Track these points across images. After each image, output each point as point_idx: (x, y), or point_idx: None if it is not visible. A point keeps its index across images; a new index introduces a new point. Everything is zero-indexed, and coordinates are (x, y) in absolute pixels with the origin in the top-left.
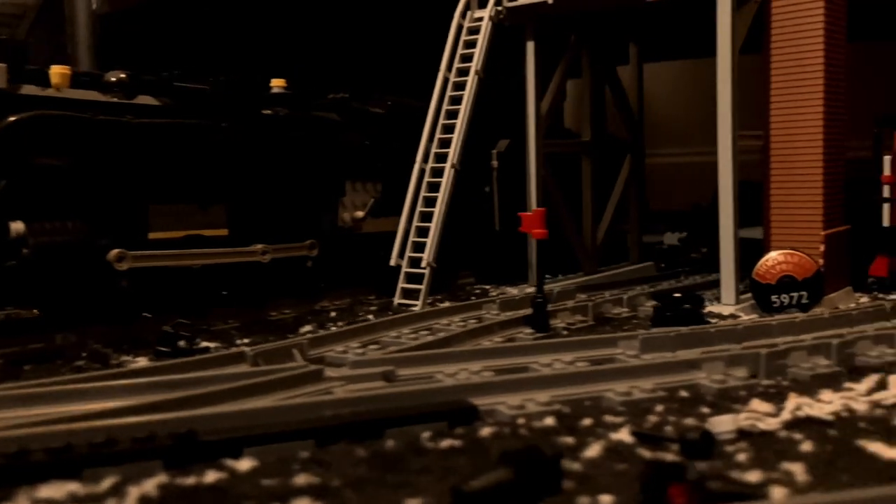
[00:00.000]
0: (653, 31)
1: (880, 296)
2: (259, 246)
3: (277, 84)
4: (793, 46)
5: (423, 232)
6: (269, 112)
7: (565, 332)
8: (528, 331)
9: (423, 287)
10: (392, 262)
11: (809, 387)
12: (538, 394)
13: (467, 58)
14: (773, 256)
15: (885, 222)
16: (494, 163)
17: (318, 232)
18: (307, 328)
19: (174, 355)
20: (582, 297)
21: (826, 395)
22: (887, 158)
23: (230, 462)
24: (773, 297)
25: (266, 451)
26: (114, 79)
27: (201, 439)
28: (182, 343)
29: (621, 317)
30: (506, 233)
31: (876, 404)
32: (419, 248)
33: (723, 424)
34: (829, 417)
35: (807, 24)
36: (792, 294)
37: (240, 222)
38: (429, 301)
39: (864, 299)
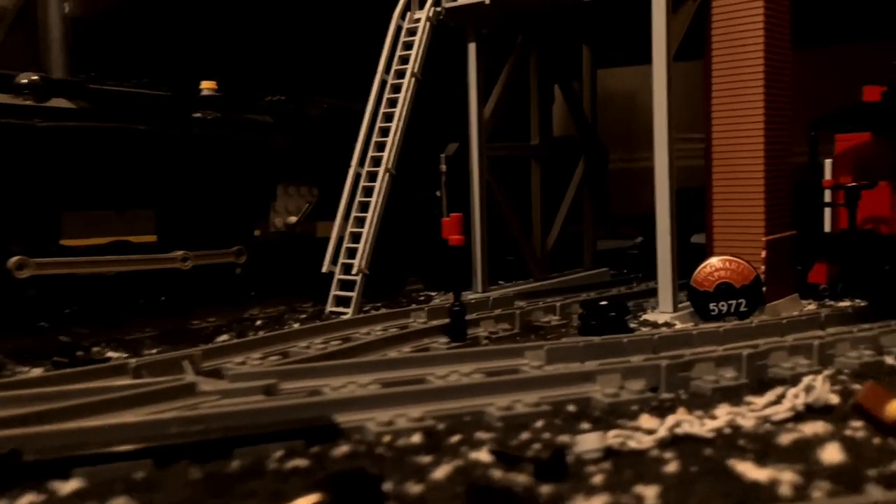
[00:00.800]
0: (605, 33)
1: (829, 303)
2: (179, 252)
3: (208, 86)
4: (733, 49)
5: (356, 238)
6: (197, 115)
7: (485, 342)
8: (444, 340)
9: (354, 294)
10: (324, 269)
11: (708, 401)
12: (415, 408)
13: (406, 59)
14: (712, 263)
15: (827, 228)
16: (443, 167)
17: (247, 238)
18: (224, 337)
19: (72, 366)
20: (521, 304)
21: (721, 410)
22: (828, 162)
23: (56, 484)
24: (712, 305)
25: (98, 472)
26: (25, 80)
27: (25, 459)
28: (80, 353)
29: (550, 325)
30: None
31: (766, 420)
32: (353, 254)
33: (588, 443)
34: (710, 435)
35: (747, 26)
36: (730, 302)
37: (169, 228)
38: (366, 309)
39: (812, 307)
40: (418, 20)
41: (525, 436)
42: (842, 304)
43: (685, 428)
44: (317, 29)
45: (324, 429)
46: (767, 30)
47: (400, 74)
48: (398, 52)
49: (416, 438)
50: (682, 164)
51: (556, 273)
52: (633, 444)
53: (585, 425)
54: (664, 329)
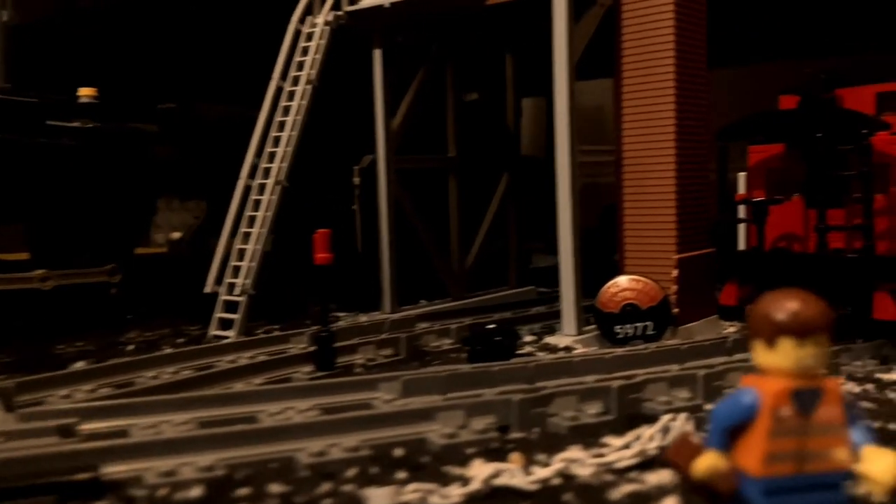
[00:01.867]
0: (527, 42)
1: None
2: (39, 271)
3: (86, 93)
4: (644, 59)
5: (243, 255)
6: (75, 123)
7: (358, 370)
8: (307, 370)
9: (238, 317)
10: (207, 289)
11: (561, 441)
12: (211, 455)
13: (308, 66)
14: (618, 282)
15: (741, 245)
16: (356, 180)
17: (125, 256)
18: (79, 364)
19: None
20: (425, 326)
21: (571, 452)
22: (742, 175)
23: None
24: (617, 328)
25: None
26: None
27: None
28: None
29: (440, 350)
30: (370, 255)
31: (607, 468)
32: (247, 272)
33: (378, 499)
34: (533, 487)
35: (657, 35)
36: (636, 324)
37: (42, 245)
38: (258, 332)
39: (732, 329)
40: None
41: (325, 487)
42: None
43: (505, 479)
44: (215, 33)
45: (82, 483)
46: (679, 39)
47: (297, 81)
48: (296, 58)
49: (197, 492)
50: (611, 179)
51: (479, 291)
52: (436, 500)
53: (402, 474)
54: (544, 356)
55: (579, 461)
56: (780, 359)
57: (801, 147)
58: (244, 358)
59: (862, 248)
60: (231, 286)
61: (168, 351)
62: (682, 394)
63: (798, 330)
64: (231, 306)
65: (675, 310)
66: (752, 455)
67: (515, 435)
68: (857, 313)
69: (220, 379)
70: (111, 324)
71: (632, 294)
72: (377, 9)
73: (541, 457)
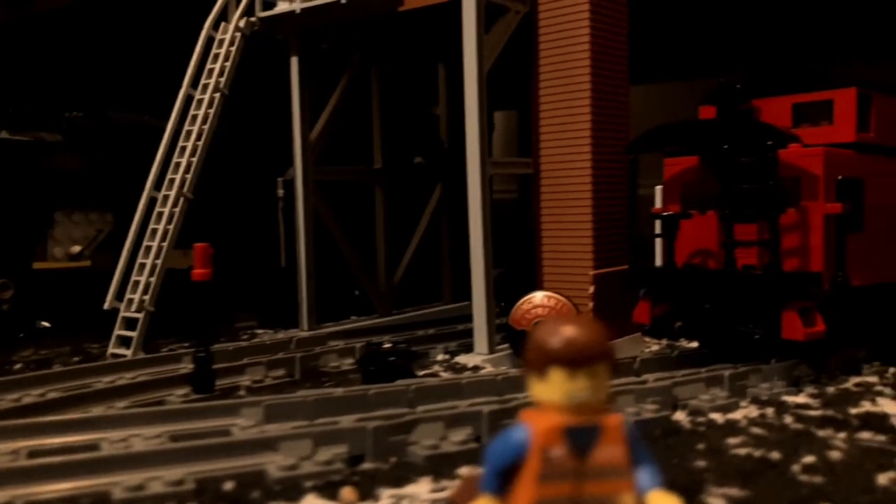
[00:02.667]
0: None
1: (676, 343)
2: None
3: None
4: (560, 69)
5: (143, 270)
6: None
7: (242, 393)
8: (182, 392)
9: (136, 334)
10: (106, 306)
11: (413, 472)
12: (17, 489)
13: (217, 73)
14: (533, 298)
15: (658, 261)
16: (280, 191)
17: (19, 270)
18: None
19: None
20: (334, 345)
21: (414, 487)
22: (658, 189)
23: None
24: None
25: None
26: None
27: None
28: None
29: (339, 370)
30: (294, 270)
31: None
32: (146, 288)
33: None
34: None
35: (573, 45)
36: None
37: None
38: (166, 349)
39: (655, 347)
40: (235, 30)
41: None
42: (693, 345)
43: None
44: (129, 40)
45: None
46: (595, 49)
47: (212, 90)
48: (208, 66)
49: None
50: None
51: (409, 308)
52: None
53: None
54: (432, 378)
55: (410, 497)
56: (551, 391)
57: (710, 159)
58: (125, 378)
59: (767, 264)
60: (132, 302)
61: (42, 372)
62: None
63: (569, 360)
64: (131, 323)
65: None
66: (521, 501)
67: (367, 466)
68: (768, 333)
69: (85, 402)
70: (2, 341)
71: (544, 311)
72: (290, 15)
73: (385, 491)
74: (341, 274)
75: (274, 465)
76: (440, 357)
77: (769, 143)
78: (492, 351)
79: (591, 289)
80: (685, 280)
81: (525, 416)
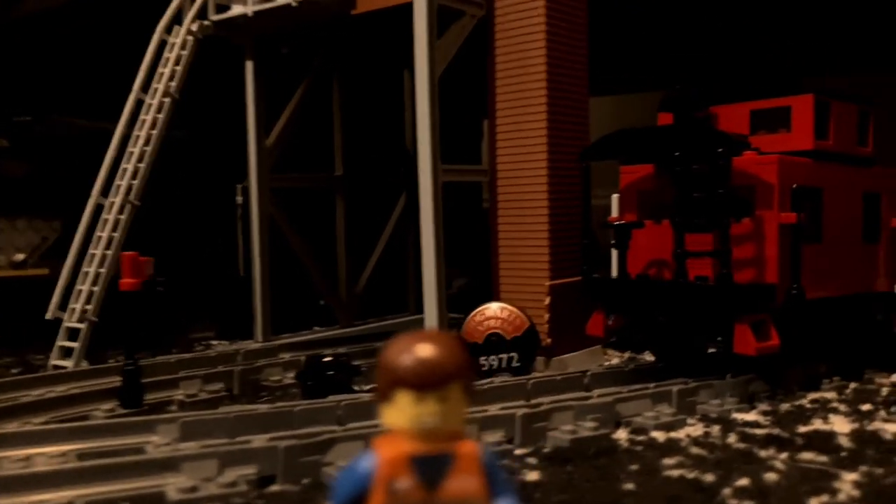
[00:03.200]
0: None
1: (639, 356)
2: None
3: None
4: (516, 76)
5: (86, 279)
6: None
7: (173, 408)
8: (108, 406)
9: (77, 345)
10: (49, 315)
11: (324, 495)
12: None
13: (167, 77)
14: (486, 310)
15: (613, 272)
16: (239, 198)
17: None
18: None
19: None
20: (283, 357)
21: None
22: (615, 197)
23: None
24: (482, 360)
25: None
26: None
27: None
28: None
29: (281, 384)
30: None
31: None
32: (88, 297)
33: None
34: None
35: (529, 50)
36: (501, 356)
37: None
38: (112, 360)
39: (616, 360)
40: (187, 33)
41: None
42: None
43: None
44: (77, 44)
45: None
46: (552, 55)
47: (163, 94)
48: (159, 69)
49: None
50: None
51: (373, 318)
52: None
53: None
54: (368, 394)
55: None
56: (398, 416)
57: (664, 167)
58: (56, 392)
59: (718, 276)
60: (73, 312)
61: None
62: (495, 436)
63: (415, 382)
64: (74, 334)
65: (548, 340)
66: None
67: (276, 488)
68: (723, 347)
69: (6, 416)
70: None
71: (497, 323)
72: (243, 18)
73: None
74: (304, 283)
75: (174, 486)
76: None
77: (719, 150)
78: None
79: (547, 300)
80: (637, 291)
81: (375, 443)
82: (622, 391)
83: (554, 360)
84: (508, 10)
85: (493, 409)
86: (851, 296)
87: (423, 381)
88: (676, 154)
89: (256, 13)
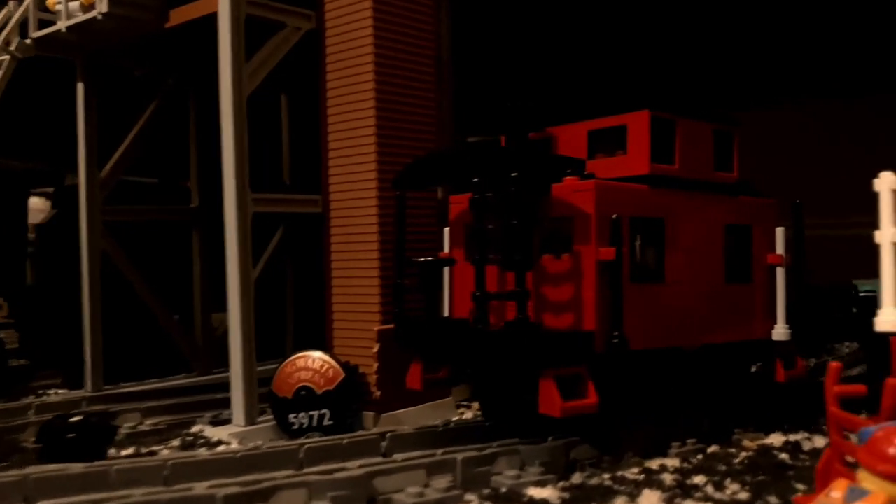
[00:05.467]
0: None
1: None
2: None
3: None
4: (347, 95)
5: None
6: None
7: None
8: None
9: None
10: None
11: None
12: None
13: None
14: (296, 359)
15: (445, 313)
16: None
17: None
18: None
19: None
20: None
21: None
22: (447, 231)
23: None
24: (292, 417)
25: None
26: None
27: None
28: None
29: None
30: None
31: None
32: None
33: None
34: None
35: (358, 62)
36: (312, 413)
37: None
38: None
39: (469, 416)
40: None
41: None
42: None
43: None
44: None
45: None
46: (381, 72)
47: None
48: None
49: None
50: None
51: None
52: None
53: None
54: (126, 460)
55: None
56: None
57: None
58: None
59: (514, 321)
60: None
61: None
62: None
63: None
64: None
65: (377, 393)
66: None
67: None
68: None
69: None
70: None
71: (308, 375)
72: (59, 35)
73: None
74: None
75: None
76: (195, 429)
77: (513, 175)
78: (251, 422)
79: (376, 347)
80: (444, 338)
81: None
82: (395, 461)
83: (385, 416)
84: (338, 20)
85: (200, 488)
86: (712, 345)
87: None
88: (474, 181)
89: (71, 29)
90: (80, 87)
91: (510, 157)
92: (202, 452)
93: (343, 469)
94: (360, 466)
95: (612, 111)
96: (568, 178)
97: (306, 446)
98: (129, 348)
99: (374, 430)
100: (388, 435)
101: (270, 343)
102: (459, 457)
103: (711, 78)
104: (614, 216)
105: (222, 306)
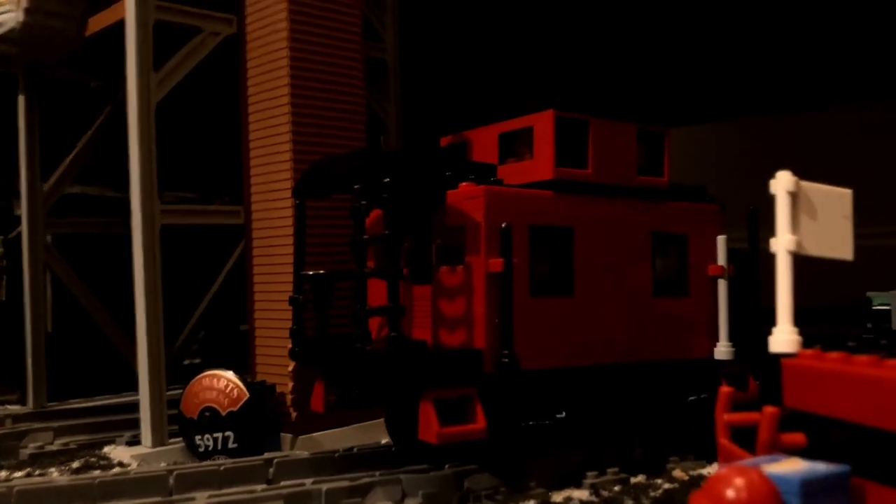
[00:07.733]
0: None
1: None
2: None
3: None
4: (266, 101)
5: None
6: None
7: None
8: None
9: None
10: None
11: None
12: None
13: None
14: (202, 378)
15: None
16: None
17: None
18: None
19: None
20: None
21: None
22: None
23: None
24: (198, 439)
25: None
26: None
27: None
28: None
29: None
30: (64, 335)
31: None
32: None
33: None
34: None
35: (274, 67)
36: (216, 434)
37: None
38: None
39: (386, 441)
40: None
41: None
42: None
43: None
44: None
45: None
46: (298, 76)
47: None
48: None
49: None
50: None
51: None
52: None
53: None
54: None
55: None
56: None
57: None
58: None
59: (386, 338)
60: None
61: None
62: None
63: None
64: None
65: (293, 413)
66: None
67: None
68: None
69: None
70: None
71: (212, 395)
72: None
73: None
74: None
75: None
76: (106, 449)
77: (385, 181)
78: (160, 443)
79: (291, 366)
80: (328, 357)
81: None
82: (255, 491)
83: (301, 438)
84: (257, 24)
85: None
86: (636, 364)
87: None
88: (354, 188)
89: (4, 40)
90: (20, 100)
91: (384, 163)
92: (81, 476)
93: (191, 499)
94: (210, 497)
95: (522, 112)
96: (465, 184)
97: (175, 472)
98: (85, 364)
99: (265, 456)
100: (276, 461)
101: (229, 361)
102: (325, 487)
103: (712, 79)
104: (504, 225)
105: (184, 320)
